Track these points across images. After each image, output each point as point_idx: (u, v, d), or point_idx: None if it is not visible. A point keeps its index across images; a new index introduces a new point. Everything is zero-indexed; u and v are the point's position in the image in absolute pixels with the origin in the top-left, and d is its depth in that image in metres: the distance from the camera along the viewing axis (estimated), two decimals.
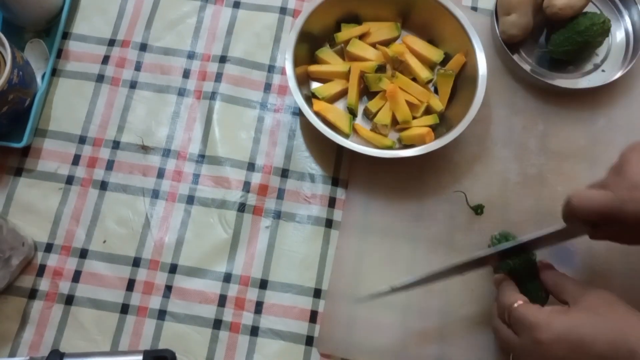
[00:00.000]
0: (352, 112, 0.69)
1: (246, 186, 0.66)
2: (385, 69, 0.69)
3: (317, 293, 0.62)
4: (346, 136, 0.66)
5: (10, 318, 0.61)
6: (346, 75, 0.69)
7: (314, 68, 0.70)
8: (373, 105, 0.68)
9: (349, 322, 0.61)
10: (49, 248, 0.64)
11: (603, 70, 0.71)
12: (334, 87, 0.69)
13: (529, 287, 0.55)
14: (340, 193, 0.66)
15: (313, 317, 0.62)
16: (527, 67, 0.71)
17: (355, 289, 0.62)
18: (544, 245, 0.56)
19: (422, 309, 0.62)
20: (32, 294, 0.62)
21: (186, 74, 0.71)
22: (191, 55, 0.72)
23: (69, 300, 0.62)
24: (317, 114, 0.65)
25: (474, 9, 0.75)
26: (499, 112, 0.70)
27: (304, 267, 0.63)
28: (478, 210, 0.65)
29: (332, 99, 0.69)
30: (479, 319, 0.61)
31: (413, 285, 0.56)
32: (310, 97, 0.68)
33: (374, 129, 0.68)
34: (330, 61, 0.70)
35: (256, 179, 0.67)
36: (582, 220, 0.51)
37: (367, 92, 0.70)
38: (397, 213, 0.65)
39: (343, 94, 0.69)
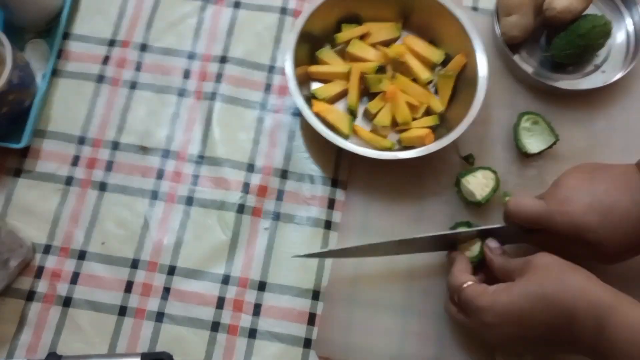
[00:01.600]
0: (352, 113, 0.68)
1: (245, 187, 0.66)
2: (385, 70, 0.69)
3: (315, 295, 0.62)
4: (346, 137, 0.66)
5: (8, 320, 0.61)
6: (346, 76, 0.68)
7: (314, 69, 0.69)
8: (373, 106, 0.68)
9: (347, 325, 0.61)
10: (47, 249, 0.63)
11: (603, 71, 0.71)
12: (334, 87, 0.68)
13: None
14: (339, 194, 0.66)
15: (311, 319, 0.61)
16: (527, 68, 0.70)
17: (354, 291, 0.62)
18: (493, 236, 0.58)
19: (420, 311, 0.61)
20: (30, 295, 0.62)
21: (186, 75, 0.71)
22: (191, 56, 0.72)
23: (67, 302, 0.61)
24: (317, 114, 0.64)
25: (475, 9, 0.75)
26: (499, 113, 0.69)
27: (302, 269, 0.63)
28: (470, 159, 0.66)
29: (332, 100, 0.69)
30: None
31: (352, 251, 0.59)
32: (310, 98, 0.68)
33: (374, 130, 0.67)
34: (330, 62, 0.70)
35: (255, 180, 0.66)
36: (516, 224, 0.56)
37: (367, 93, 0.70)
38: (397, 215, 0.65)
39: (343, 94, 0.69)
